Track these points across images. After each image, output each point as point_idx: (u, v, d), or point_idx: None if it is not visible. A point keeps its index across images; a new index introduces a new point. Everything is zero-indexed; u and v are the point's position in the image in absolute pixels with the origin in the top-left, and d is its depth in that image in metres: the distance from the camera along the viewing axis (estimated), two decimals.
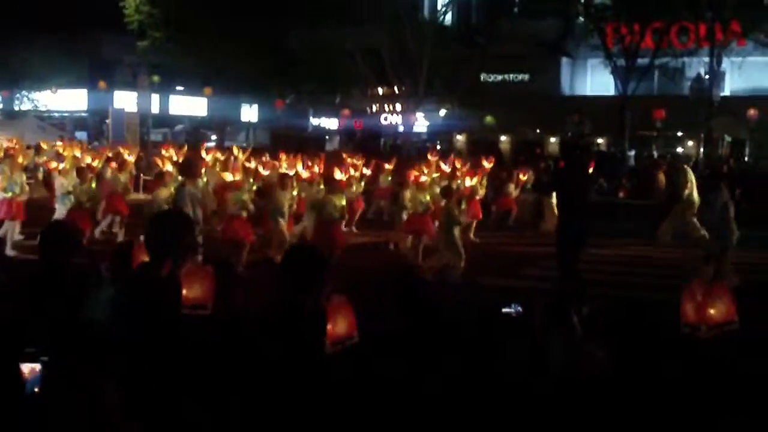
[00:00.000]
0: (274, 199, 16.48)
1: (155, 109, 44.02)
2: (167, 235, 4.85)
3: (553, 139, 46.51)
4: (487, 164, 21.37)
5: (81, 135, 41.66)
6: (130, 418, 3.95)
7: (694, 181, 19.82)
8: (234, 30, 41.17)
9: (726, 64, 41.46)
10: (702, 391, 4.63)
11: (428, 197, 17.24)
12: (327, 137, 50.99)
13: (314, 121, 53.41)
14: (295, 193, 17.33)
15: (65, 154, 19.72)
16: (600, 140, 46.30)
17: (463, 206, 16.28)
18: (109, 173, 19.78)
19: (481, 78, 48.35)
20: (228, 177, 16.60)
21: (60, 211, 17.76)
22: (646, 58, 40.99)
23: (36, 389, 3.96)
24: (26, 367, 4.02)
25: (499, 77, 48.43)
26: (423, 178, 17.82)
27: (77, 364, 3.89)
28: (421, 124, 49.28)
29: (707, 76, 39.90)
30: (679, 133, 44.82)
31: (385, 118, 49.31)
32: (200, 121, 50.52)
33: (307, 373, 4.51)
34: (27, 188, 18.38)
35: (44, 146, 25.37)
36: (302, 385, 4.46)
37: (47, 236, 5.57)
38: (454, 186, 17.45)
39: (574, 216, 13.04)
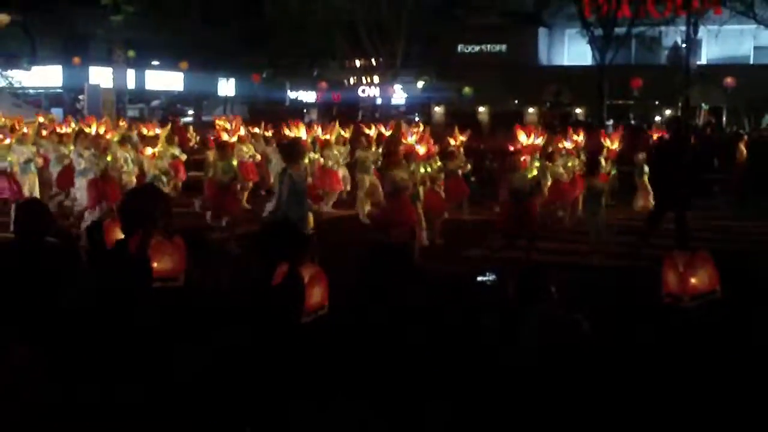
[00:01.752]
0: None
1: (131, 84, 43.63)
2: (137, 208, 4.87)
3: (531, 110, 46.48)
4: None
5: (57, 111, 41.24)
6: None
7: None
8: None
9: (702, 32, 41.54)
10: (683, 361, 4.61)
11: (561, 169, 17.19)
12: (305, 110, 50.76)
13: (292, 94, 53.16)
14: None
15: (149, 133, 19.36)
16: (578, 110, 46.34)
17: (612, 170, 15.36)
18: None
19: (459, 49, 48.20)
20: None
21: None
22: (623, 27, 41.01)
23: None
24: None
25: (477, 48, 48.21)
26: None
27: None
28: (398, 95, 49.14)
29: (684, 45, 39.94)
30: (657, 102, 44.87)
31: (363, 91, 49.14)
32: (177, 96, 50.18)
33: (281, 339, 4.51)
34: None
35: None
36: (276, 351, 4.45)
37: (21, 214, 5.53)
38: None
39: (680, 186, 14.32)
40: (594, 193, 14.57)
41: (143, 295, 4.60)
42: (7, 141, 17.32)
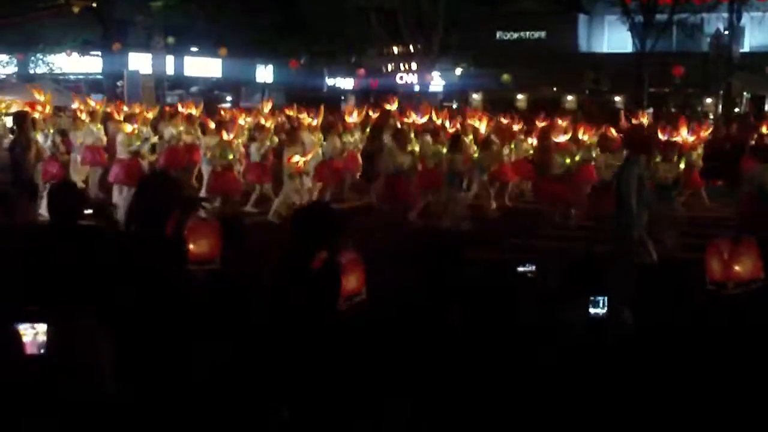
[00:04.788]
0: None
1: (170, 70, 43.86)
2: (155, 197, 4.87)
3: (570, 97, 46.18)
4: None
5: (96, 98, 41.53)
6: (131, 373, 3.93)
7: None
8: None
9: (746, 19, 41.02)
10: (727, 348, 4.52)
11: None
12: (342, 97, 50.77)
13: (329, 81, 53.16)
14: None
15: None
16: (617, 98, 45.94)
17: None
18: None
19: (497, 36, 47.97)
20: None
21: None
22: (664, 13, 40.54)
23: (42, 350, 3.93)
24: (31, 328, 3.98)
25: (516, 35, 47.96)
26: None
27: (74, 320, 3.84)
28: (436, 83, 48.99)
29: (727, 32, 39.47)
30: (698, 90, 44.38)
31: (401, 78, 49.01)
32: (215, 83, 50.35)
33: (318, 325, 4.48)
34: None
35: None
36: (312, 337, 4.42)
37: (54, 197, 5.53)
38: None
39: None
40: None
41: (178, 276, 4.58)
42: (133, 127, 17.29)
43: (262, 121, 18.58)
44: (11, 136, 16.45)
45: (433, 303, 4.60)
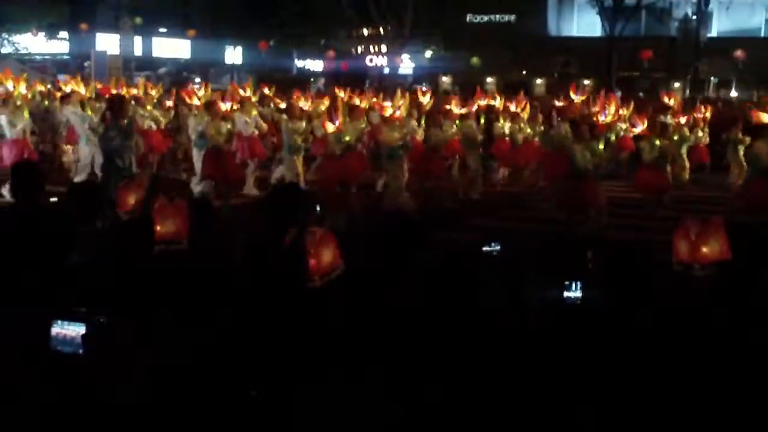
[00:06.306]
0: None
1: (138, 51, 43.47)
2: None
3: (539, 81, 46.27)
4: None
5: (63, 78, 41.12)
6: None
7: None
8: None
9: (713, 4, 41.28)
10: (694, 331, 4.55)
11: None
12: (312, 79, 50.59)
13: (299, 63, 52.94)
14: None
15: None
16: (586, 81, 46.09)
17: None
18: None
19: (467, 19, 47.94)
20: None
21: None
22: None
23: (80, 351, 3.90)
24: (71, 329, 3.94)
25: (485, 18, 47.96)
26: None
27: (116, 323, 3.84)
28: (406, 65, 48.93)
29: (695, 17, 39.73)
30: (665, 74, 44.65)
31: (371, 60, 48.90)
32: (184, 64, 49.98)
33: (287, 303, 4.49)
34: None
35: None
36: (282, 315, 4.43)
37: (15, 177, 5.45)
38: None
39: None
40: None
41: (144, 256, 4.57)
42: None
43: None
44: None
45: (394, 285, 4.60)
